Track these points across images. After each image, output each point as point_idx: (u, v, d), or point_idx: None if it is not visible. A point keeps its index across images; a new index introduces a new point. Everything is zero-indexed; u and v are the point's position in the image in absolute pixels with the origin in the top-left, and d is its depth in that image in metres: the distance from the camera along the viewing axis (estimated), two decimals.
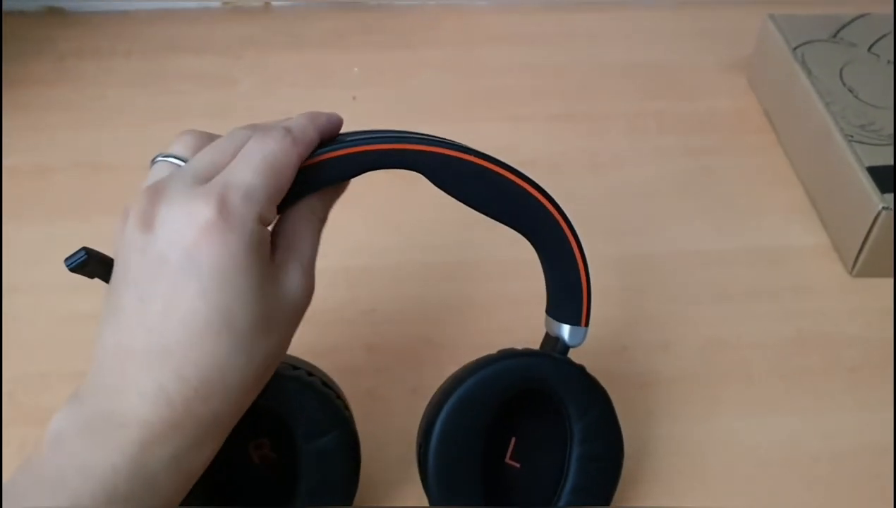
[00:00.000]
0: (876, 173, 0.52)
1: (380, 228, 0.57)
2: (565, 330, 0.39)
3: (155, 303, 0.29)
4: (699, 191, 0.61)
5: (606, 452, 0.39)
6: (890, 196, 0.51)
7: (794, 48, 0.63)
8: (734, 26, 0.76)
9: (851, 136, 0.55)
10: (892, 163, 0.53)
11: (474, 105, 0.68)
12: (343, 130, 0.38)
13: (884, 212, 0.51)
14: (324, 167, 0.35)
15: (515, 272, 0.53)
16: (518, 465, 0.39)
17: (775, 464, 0.45)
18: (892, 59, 0.63)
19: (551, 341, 0.40)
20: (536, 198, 0.37)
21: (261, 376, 0.32)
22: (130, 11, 0.77)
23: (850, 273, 0.55)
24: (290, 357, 0.38)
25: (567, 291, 0.39)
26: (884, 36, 0.65)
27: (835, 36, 0.65)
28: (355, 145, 0.35)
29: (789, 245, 0.57)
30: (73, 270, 0.32)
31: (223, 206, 0.30)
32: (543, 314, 0.40)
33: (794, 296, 0.54)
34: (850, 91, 0.59)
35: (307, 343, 0.50)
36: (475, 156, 0.36)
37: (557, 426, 0.39)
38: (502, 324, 0.51)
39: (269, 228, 0.33)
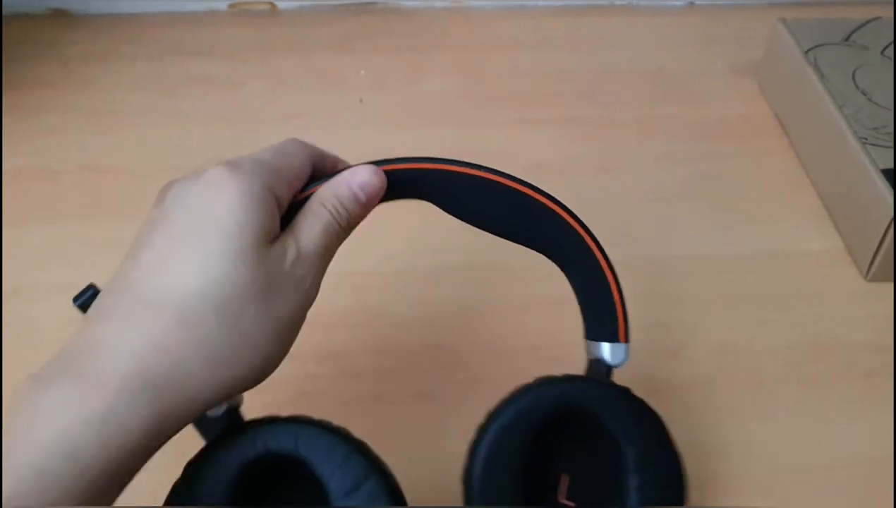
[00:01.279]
0: (891, 176, 0.52)
1: (388, 232, 0.56)
2: (604, 350, 0.37)
3: (148, 252, 0.30)
4: (710, 196, 0.60)
5: (666, 478, 0.35)
6: None
7: (806, 51, 0.62)
8: (743, 32, 0.76)
9: (865, 139, 0.54)
10: None
11: (482, 109, 0.68)
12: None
13: None
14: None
15: (524, 277, 0.52)
16: (572, 503, 0.36)
17: (789, 471, 0.44)
18: None
19: (593, 365, 0.37)
20: (555, 213, 0.35)
21: (246, 363, 0.30)
22: (136, 14, 0.76)
23: (865, 277, 0.54)
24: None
25: (599, 308, 0.37)
26: None
27: (847, 39, 0.64)
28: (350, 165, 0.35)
29: (803, 249, 0.56)
30: (81, 308, 0.32)
31: (233, 165, 0.31)
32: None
33: (808, 302, 0.53)
34: (864, 94, 0.58)
35: (315, 346, 0.49)
36: (484, 171, 0.34)
37: (608, 455, 0.35)
38: (511, 330, 0.51)
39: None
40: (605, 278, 0.36)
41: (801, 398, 0.48)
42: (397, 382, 0.48)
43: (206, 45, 0.73)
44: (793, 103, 0.64)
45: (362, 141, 0.52)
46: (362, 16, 0.78)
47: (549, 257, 0.37)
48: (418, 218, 0.59)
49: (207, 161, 0.64)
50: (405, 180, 0.35)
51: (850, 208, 0.56)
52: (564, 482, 0.36)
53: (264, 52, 0.73)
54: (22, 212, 0.57)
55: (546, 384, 0.36)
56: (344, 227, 0.34)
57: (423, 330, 0.51)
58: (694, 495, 0.44)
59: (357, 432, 0.35)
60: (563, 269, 0.37)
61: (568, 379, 0.36)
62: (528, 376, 0.50)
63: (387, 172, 0.35)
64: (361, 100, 0.68)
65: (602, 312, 0.37)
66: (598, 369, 0.37)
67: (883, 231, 0.51)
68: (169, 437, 0.29)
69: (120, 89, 0.68)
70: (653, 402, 0.47)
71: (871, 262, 0.53)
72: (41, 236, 0.55)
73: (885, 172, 0.52)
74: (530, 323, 0.51)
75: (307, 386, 0.47)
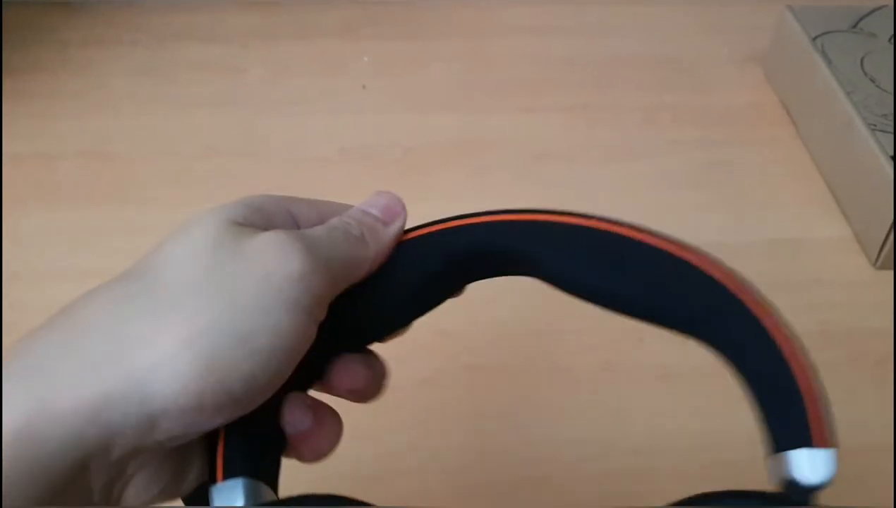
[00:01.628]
0: None
1: None
2: (797, 462, 0.26)
3: None
4: (716, 184, 0.60)
5: None
6: None
7: (814, 38, 0.62)
8: (748, 20, 0.75)
9: (874, 126, 0.54)
10: None
11: (487, 96, 0.67)
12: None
13: None
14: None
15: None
16: None
17: None
18: None
19: (785, 487, 0.26)
20: (727, 291, 0.27)
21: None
22: (136, 1, 0.75)
23: (874, 265, 0.53)
24: None
25: (782, 404, 0.27)
26: None
27: (854, 27, 0.64)
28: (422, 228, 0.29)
29: (810, 237, 0.56)
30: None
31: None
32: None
33: (817, 290, 0.52)
34: (872, 81, 0.58)
35: None
36: (617, 225, 0.28)
37: None
38: (513, 315, 0.50)
39: None
40: (786, 365, 0.27)
41: None
42: (401, 367, 0.47)
43: (208, 32, 0.73)
44: (800, 91, 0.64)
45: (365, 127, 0.52)
46: (366, 2, 0.77)
47: (702, 341, 0.28)
48: (428, 204, 0.58)
49: (207, 147, 0.64)
50: (493, 244, 0.29)
51: (858, 196, 0.55)
52: None
53: (266, 39, 0.72)
54: (20, 198, 0.56)
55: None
56: (358, 237, 0.28)
57: (427, 315, 0.50)
58: (700, 482, 0.43)
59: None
60: (719, 352, 0.28)
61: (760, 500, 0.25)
62: (532, 363, 0.49)
63: (466, 232, 0.29)
64: (364, 87, 0.67)
65: (786, 406, 0.27)
66: (792, 492, 0.26)
67: (892, 218, 0.51)
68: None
69: (119, 75, 0.68)
70: (661, 388, 0.47)
71: (880, 250, 0.52)
72: (39, 221, 0.55)
73: (894, 158, 0.51)
74: (534, 306, 0.50)
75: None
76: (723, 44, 0.73)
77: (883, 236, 0.52)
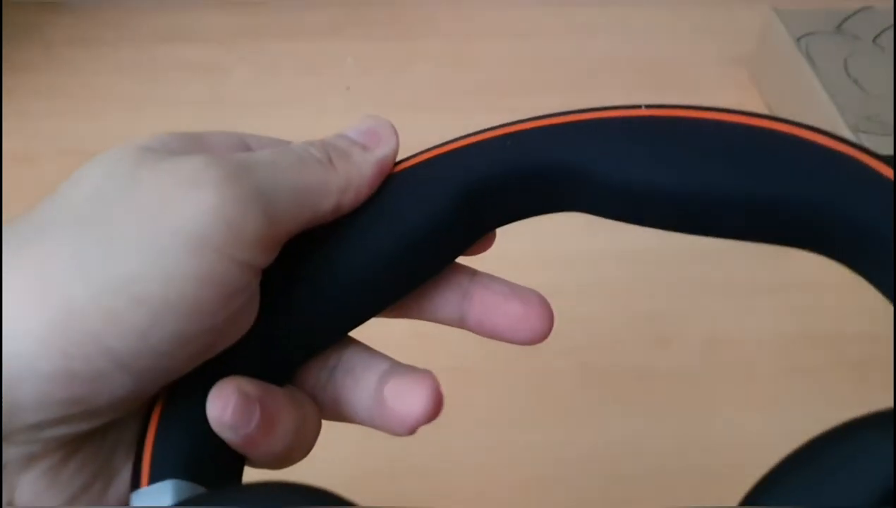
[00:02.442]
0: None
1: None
2: None
3: None
4: None
5: None
6: None
7: (798, 39, 0.62)
8: (734, 21, 0.75)
9: (857, 127, 0.54)
10: None
11: (470, 97, 0.67)
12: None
13: None
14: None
15: (507, 262, 0.51)
16: None
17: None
18: None
19: None
20: (845, 157, 0.19)
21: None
22: (121, 1, 0.75)
23: None
24: None
25: None
26: (888, 28, 0.63)
27: (838, 28, 0.64)
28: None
29: None
30: None
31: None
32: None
33: (798, 292, 0.52)
34: (856, 82, 0.58)
35: None
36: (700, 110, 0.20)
37: None
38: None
39: None
40: None
41: (791, 388, 0.47)
42: None
43: (192, 31, 0.72)
44: (785, 92, 0.64)
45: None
46: (350, 3, 0.77)
47: (814, 242, 0.21)
48: None
49: None
50: (528, 162, 0.21)
51: None
52: None
53: (251, 39, 0.72)
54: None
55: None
56: (320, 160, 0.22)
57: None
58: (680, 487, 0.43)
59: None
60: (839, 250, 0.21)
61: None
62: (512, 365, 0.49)
63: (480, 149, 0.21)
64: (349, 88, 0.67)
65: None
66: None
67: None
68: None
69: (103, 74, 0.67)
70: (640, 390, 0.47)
71: None
72: None
73: None
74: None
75: None
76: (708, 45, 0.73)
77: None
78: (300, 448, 0.22)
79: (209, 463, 0.20)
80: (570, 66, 0.71)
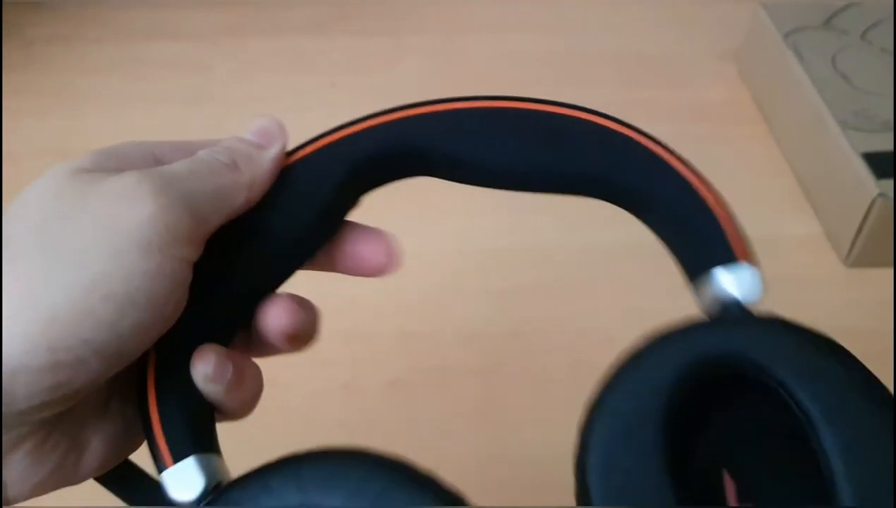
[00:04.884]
0: (871, 159, 0.51)
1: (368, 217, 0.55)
2: (725, 281, 0.26)
3: None
4: None
5: (871, 425, 0.22)
6: (886, 182, 0.49)
7: (786, 35, 0.62)
8: (723, 16, 0.75)
9: (845, 123, 0.53)
10: (886, 149, 0.51)
11: (457, 93, 0.66)
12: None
13: (879, 200, 0.49)
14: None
15: (496, 260, 0.51)
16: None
17: None
18: (885, 46, 0.61)
19: (717, 310, 0.26)
20: (622, 135, 0.28)
21: None
22: None
23: (845, 263, 0.53)
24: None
25: (698, 229, 0.27)
26: (876, 23, 0.63)
27: (827, 23, 0.63)
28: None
29: (781, 235, 0.55)
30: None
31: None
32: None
33: (787, 288, 0.52)
34: (844, 77, 0.58)
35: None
36: (505, 100, 0.28)
37: (780, 421, 0.23)
38: (485, 314, 0.49)
39: None
40: (695, 191, 0.27)
41: None
42: (367, 370, 0.47)
43: (174, 28, 0.71)
44: (772, 87, 0.64)
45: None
46: None
47: (602, 197, 0.29)
48: (393, 202, 0.58)
49: None
50: (394, 145, 0.28)
51: (829, 193, 0.55)
52: (729, 485, 0.23)
53: (234, 35, 0.71)
54: None
55: (681, 335, 0.25)
56: (228, 164, 0.26)
57: (394, 316, 0.49)
58: None
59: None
60: (624, 204, 0.29)
61: (709, 325, 0.25)
62: (501, 364, 0.49)
63: (360, 137, 0.28)
64: (334, 84, 0.66)
65: (700, 230, 0.27)
66: (726, 309, 0.26)
67: (862, 216, 0.50)
68: None
69: (84, 72, 0.66)
70: None
71: (851, 248, 0.52)
72: None
73: (866, 155, 0.51)
74: (504, 307, 0.50)
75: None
76: (697, 40, 0.73)
77: (853, 234, 0.51)
78: (256, 397, 0.27)
79: (203, 432, 0.25)
80: (557, 60, 0.70)
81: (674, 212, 0.28)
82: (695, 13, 0.76)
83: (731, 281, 0.26)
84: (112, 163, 0.25)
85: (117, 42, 0.69)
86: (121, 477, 0.26)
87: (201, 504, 0.23)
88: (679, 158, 0.28)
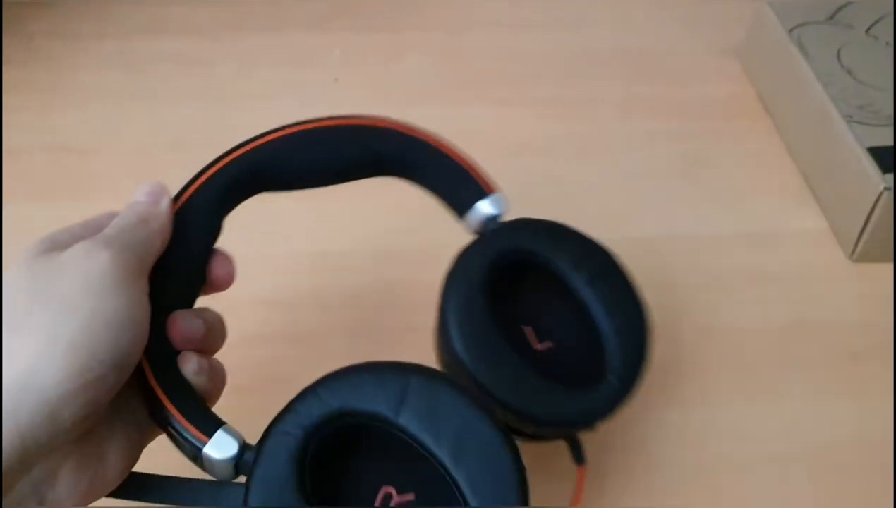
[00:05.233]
0: (876, 154, 0.50)
1: (360, 213, 0.55)
2: (483, 209, 0.39)
3: None
4: (692, 177, 0.59)
5: (622, 295, 0.39)
6: (891, 176, 0.49)
7: (791, 30, 0.61)
8: (726, 12, 0.75)
9: (850, 117, 0.53)
10: (892, 143, 0.51)
11: (461, 89, 0.66)
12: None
13: (885, 194, 0.49)
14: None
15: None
16: (549, 346, 0.37)
17: (774, 453, 0.43)
18: (890, 41, 0.61)
19: (478, 228, 0.39)
20: (373, 128, 0.38)
21: None
22: None
23: (850, 257, 0.53)
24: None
25: (453, 180, 0.39)
26: (881, 18, 0.63)
27: (831, 18, 0.63)
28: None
29: (786, 230, 0.55)
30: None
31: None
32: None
33: (793, 282, 0.52)
34: (849, 72, 0.57)
35: (285, 327, 0.48)
36: (300, 125, 0.37)
37: (560, 293, 0.38)
38: (331, 280, 0.50)
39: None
40: (446, 155, 0.39)
41: (785, 379, 0.46)
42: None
43: (176, 24, 0.71)
44: (777, 83, 0.63)
45: None
46: None
47: (396, 175, 0.39)
48: (395, 199, 0.57)
49: (176, 141, 0.62)
50: (239, 174, 0.36)
51: (834, 188, 0.55)
52: (530, 333, 0.37)
53: (236, 31, 0.71)
54: None
55: (482, 242, 0.38)
56: (140, 221, 0.33)
57: (398, 311, 0.49)
58: (676, 476, 0.43)
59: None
60: (411, 178, 0.40)
61: (498, 232, 0.38)
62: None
63: (211, 180, 0.36)
64: (337, 80, 0.66)
65: (458, 181, 0.39)
66: (487, 228, 0.39)
67: (868, 210, 0.50)
68: None
69: (86, 68, 0.66)
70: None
71: (857, 242, 0.52)
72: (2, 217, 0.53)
73: (871, 150, 0.51)
74: (346, 274, 0.50)
75: (275, 369, 0.45)
76: (700, 35, 0.72)
77: (859, 228, 0.51)
78: (224, 382, 0.35)
79: (208, 411, 0.32)
80: (560, 56, 0.70)
81: (436, 173, 0.39)
82: (698, 9, 0.75)
83: (489, 207, 0.39)
84: (52, 246, 0.31)
85: (119, 38, 0.69)
86: (140, 486, 0.32)
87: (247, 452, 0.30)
88: (429, 136, 0.39)
